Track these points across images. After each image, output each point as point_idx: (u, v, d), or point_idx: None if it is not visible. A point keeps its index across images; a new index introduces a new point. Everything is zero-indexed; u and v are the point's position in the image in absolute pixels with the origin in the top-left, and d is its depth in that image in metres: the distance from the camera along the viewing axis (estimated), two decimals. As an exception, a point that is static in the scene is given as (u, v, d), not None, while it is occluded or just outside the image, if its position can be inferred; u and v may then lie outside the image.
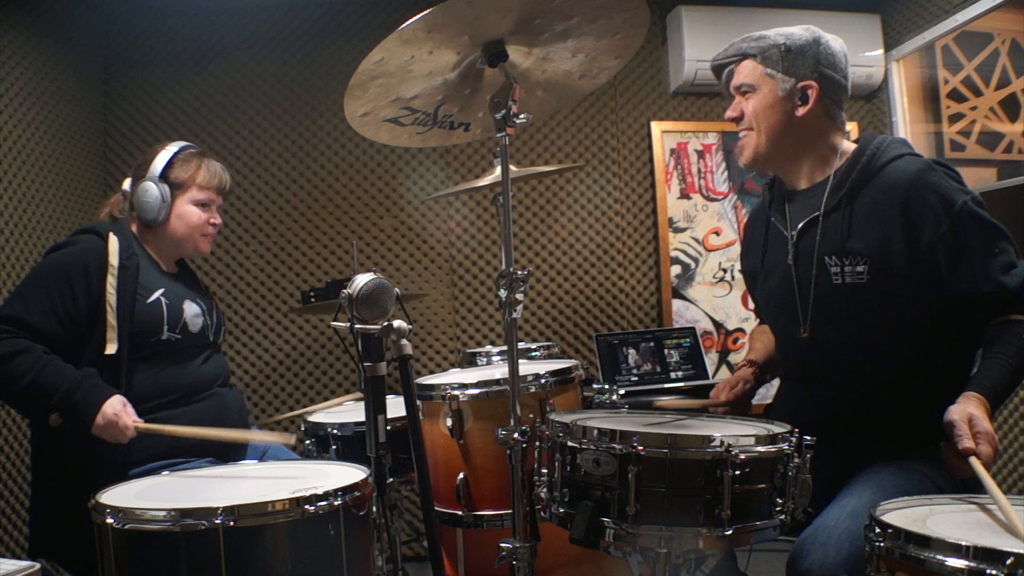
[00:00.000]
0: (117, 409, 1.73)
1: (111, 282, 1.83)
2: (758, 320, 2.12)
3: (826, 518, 1.41)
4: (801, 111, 1.69)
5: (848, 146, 1.73)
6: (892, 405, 1.59)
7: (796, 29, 1.73)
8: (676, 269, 3.62)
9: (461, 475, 1.76)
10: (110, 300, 1.82)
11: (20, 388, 1.73)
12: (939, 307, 1.56)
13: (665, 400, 2.28)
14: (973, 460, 1.28)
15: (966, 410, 1.36)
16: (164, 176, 1.99)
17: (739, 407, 1.84)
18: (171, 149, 2.03)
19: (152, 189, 1.97)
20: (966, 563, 0.96)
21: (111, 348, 1.80)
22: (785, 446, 1.25)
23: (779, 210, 1.80)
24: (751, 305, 2.17)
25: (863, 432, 1.61)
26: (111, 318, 1.82)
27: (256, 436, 1.92)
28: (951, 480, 1.47)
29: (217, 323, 2.10)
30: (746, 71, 1.74)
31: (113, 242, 1.89)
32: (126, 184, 2.06)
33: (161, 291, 1.93)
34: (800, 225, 1.72)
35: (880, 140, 1.69)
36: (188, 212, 2.02)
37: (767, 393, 2.00)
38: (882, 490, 1.44)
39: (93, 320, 1.82)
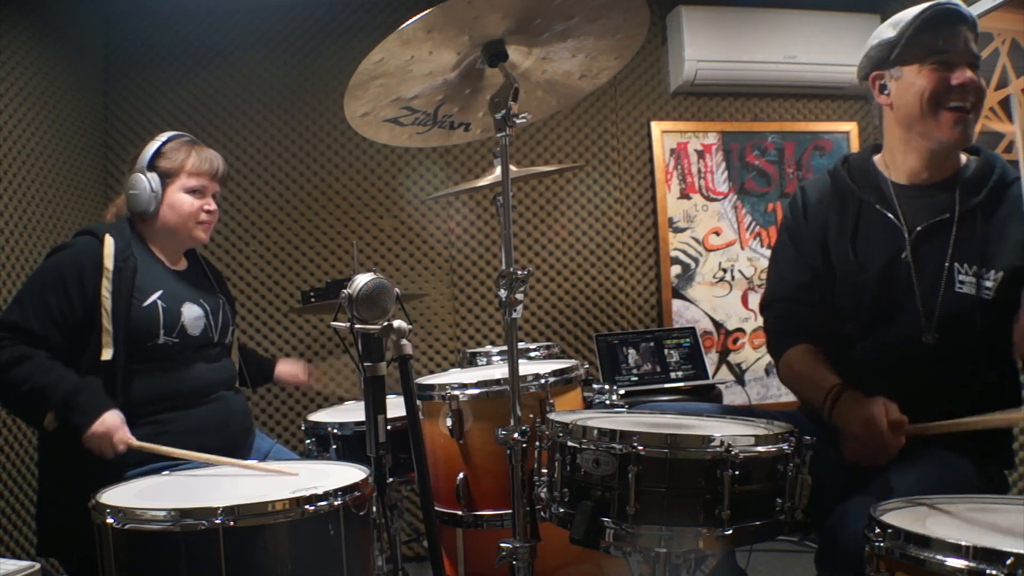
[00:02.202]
0: (116, 422, 1.71)
1: (106, 285, 1.80)
2: (772, 312, 1.84)
3: (870, 490, 1.41)
4: None
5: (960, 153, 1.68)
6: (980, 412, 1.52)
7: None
8: (676, 269, 3.62)
9: (461, 475, 1.76)
10: (105, 304, 1.79)
11: (21, 394, 1.73)
12: None
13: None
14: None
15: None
16: (153, 166, 1.94)
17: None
18: (160, 138, 1.98)
19: (140, 180, 1.92)
20: (966, 563, 0.96)
21: (107, 353, 1.78)
22: (785, 446, 1.25)
23: (879, 198, 1.69)
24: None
25: (954, 438, 1.53)
26: (106, 322, 1.79)
27: (259, 467, 1.83)
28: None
29: (224, 323, 2.05)
30: (974, 39, 1.59)
31: (108, 244, 1.85)
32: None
33: (159, 294, 1.88)
34: (923, 224, 1.62)
35: (1000, 157, 1.66)
36: (179, 200, 1.96)
37: (767, 393, 1.99)
38: (927, 474, 1.44)
39: (89, 324, 1.80)
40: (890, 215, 1.66)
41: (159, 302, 1.87)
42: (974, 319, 1.57)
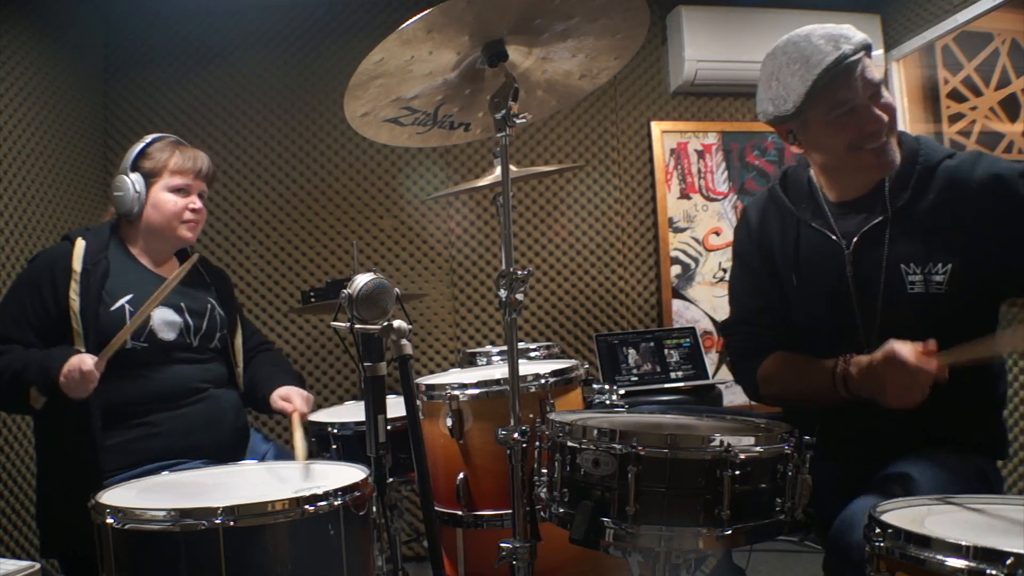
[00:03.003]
0: (81, 359, 1.69)
1: (74, 287, 1.81)
2: (738, 328, 1.81)
3: (874, 493, 1.39)
4: None
5: None
6: (955, 413, 1.52)
7: (809, 28, 1.58)
8: (676, 269, 3.62)
9: (461, 475, 1.76)
10: (73, 306, 1.80)
11: (4, 383, 1.75)
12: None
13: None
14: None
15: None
16: (136, 166, 1.94)
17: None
18: (145, 140, 1.98)
19: (124, 181, 1.92)
20: (966, 563, 0.96)
21: None
22: (785, 446, 1.25)
23: (816, 215, 1.67)
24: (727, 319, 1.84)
25: (924, 441, 1.53)
26: (75, 324, 1.80)
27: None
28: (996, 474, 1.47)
29: (209, 328, 2.01)
30: (872, 68, 1.52)
31: (79, 246, 1.86)
32: None
33: (128, 298, 1.87)
34: (859, 233, 1.59)
35: (918, 138, 1.61)
36: (162, 200, 1.95)
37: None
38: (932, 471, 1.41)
39: (63, 326, 1.81)
40: (827, 231, 1.64)
41: (127, 306, 1.87)
42: (931, 319, 1.50)
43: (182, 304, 1.97)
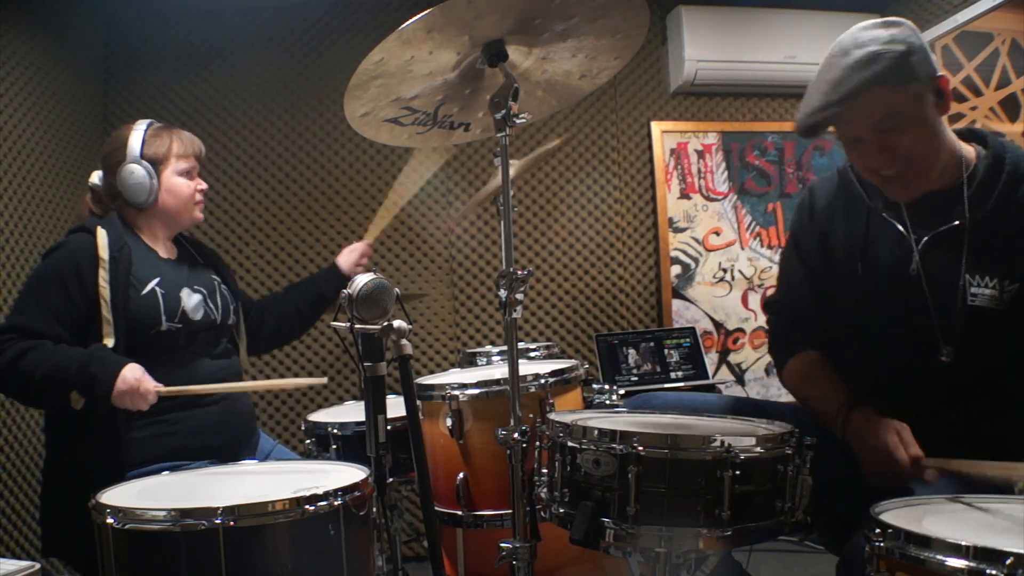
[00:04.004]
0: (137, 375, 1.72)
1: (103, 276, 1.81)
2: (778, 321, 1.80)
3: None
4: (941, 110, 1.49)
5: (964, 146, 1.56)
6: (1007, 429, 1.51)
7: (873, 32, 1.47)
8: (676, 269, 3.62)
9: (461, 475, 1.76)
10: (103, 294, 1.79)
11: (36, 381, 1.72)
12: None
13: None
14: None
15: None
16: (143, 155, 1.95)
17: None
18: (140, 127, 1.99)
19: (137, 170, 1.93)
20: (966, 563, 0.96)
21: (108, 342, 1.78)
22: (786, 447, 1.25)
23: (888, 206, 1.60)
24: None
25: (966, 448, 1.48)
26: (106, 312, 1.79)
27: (284, 384, 1.85)
28: None
29: (223, 303, 2.05)
30: (885, 100, 1.43)
31: (102, 235, 1.85)
32: (95, 178, 2.04)
33: (156, 280, 1.89)
34: (930, 234, 1.53)
35: (1009, 146, 1.54)
36: (176, 184, 1.99)
37: (765, 394, 1.98)
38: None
39: (92, 318, 1.80)
40: (898, 224, 1.57)
41: (158, 289, 1.88)
42: (993, 333, 1.47)
43: (197, 285, 2.00)
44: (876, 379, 1.59)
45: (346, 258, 2.39)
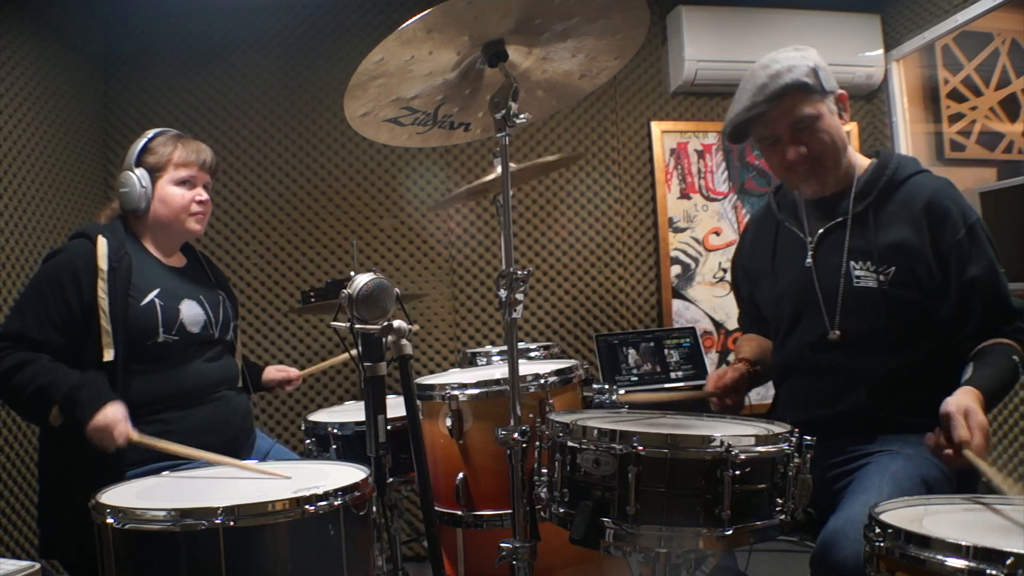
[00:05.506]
0: (117, 416, 1.70)
1: (101, 286, 1.80)
2: (739, 327, 2.17)
3: (850, 512, 1.42)
4: (843, 121, 1.75)
5: (861, 158, 1.80)
6: (904, 399, 1.67)
7: (787, 53, 1.75)
8: (676, 269, 3.62)
9: (461, 475, 1.76)
10: (102, 304, 1.79)
11: (27, 396, 1.73)
12: (946, 310, 1.66)
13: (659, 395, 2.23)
14: (967, 450, 1.33)
15: (963, 403, 1.41)
16: (140, 162, 1.94)
17: (733, 396, 1.85)
18: (147, 135, 1.98)
19: (130, 177, 1.92)
20: (966, 563, 0.96)
21: (108, 354, 1.77)
22: (785, 446, 1.25)
23: (792, 216, 1.87)
24: (736, 311, 2.17)
25: (875, 426, 1.68)
26: (105, 323, 1.78)
27: (255, 467, 1.79)
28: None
29: (224, 319, 2.04)
30: (800, 103, 1.69)
31: (102, 245, 1.85)
32: None
33: (156, 292, 1.88)
34: (822, 230, 1.79)
35: (898, 156, 1.79)
36: (169, 194, 1.95)
37: (767, 393, 2.00)
38: (896, 482, 1.49)
39: (89, 326, 1.80)
40: (797, 229, 1.84)
41: (156, 300, 1.87)
42: (877, 311, 1.68)
43: (201, 297, 1.99)
44: (789, 359, 1.85)
45: (275, 372, 2.39)
